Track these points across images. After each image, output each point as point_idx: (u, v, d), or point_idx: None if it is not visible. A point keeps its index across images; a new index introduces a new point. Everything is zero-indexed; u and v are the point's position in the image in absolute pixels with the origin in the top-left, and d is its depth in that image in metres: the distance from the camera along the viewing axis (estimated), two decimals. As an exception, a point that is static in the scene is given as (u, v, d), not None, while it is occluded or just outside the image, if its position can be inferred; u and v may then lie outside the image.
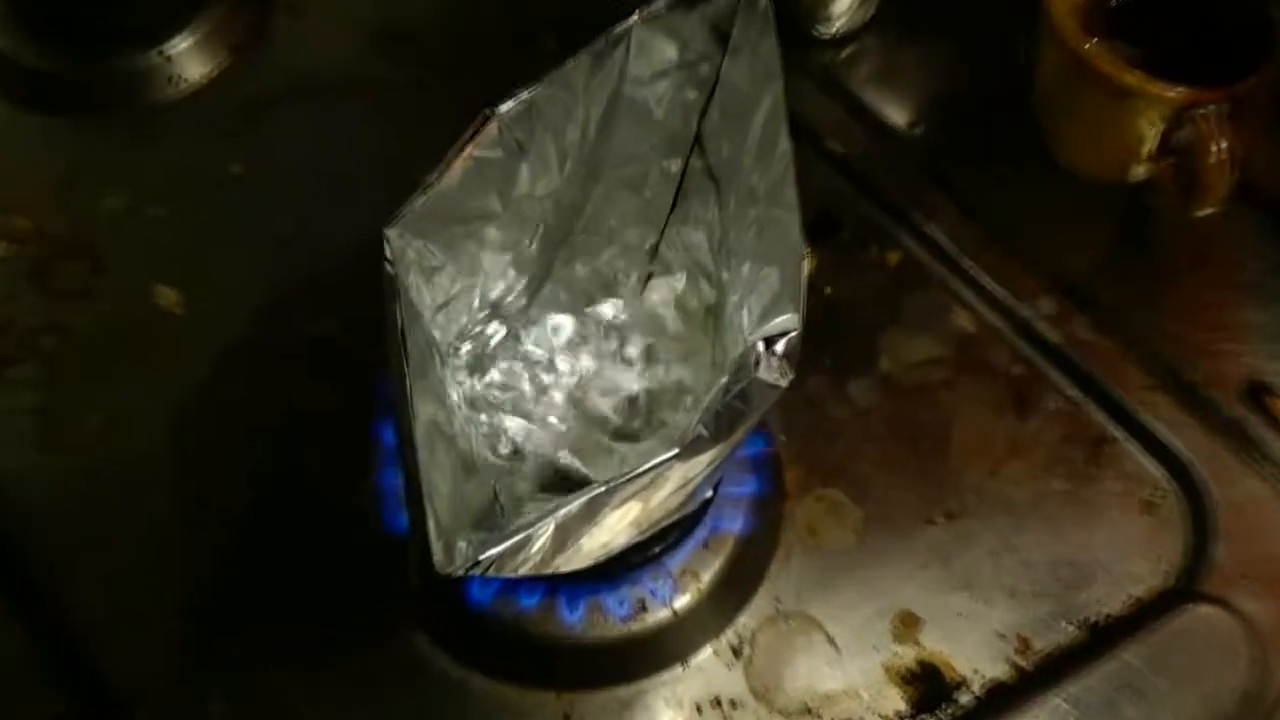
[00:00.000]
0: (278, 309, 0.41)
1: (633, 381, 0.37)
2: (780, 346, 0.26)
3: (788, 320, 0.26)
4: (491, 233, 0.36)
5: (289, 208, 0.43)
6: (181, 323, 0.40)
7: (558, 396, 0.37)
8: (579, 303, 0.39)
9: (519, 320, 0.38)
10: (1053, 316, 0.41)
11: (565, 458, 0.36)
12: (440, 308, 0.36)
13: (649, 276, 0.39)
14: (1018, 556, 0.36)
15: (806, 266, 0.27)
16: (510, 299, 0.38)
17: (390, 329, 0.31)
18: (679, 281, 0.38)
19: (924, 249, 0.43)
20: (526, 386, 0.37)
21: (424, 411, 0.30)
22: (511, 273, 0.37)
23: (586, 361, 0.38)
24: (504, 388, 0.37)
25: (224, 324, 0.40)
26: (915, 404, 0.40)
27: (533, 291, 0.38)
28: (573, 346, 0.38)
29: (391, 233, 0.32)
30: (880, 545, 0.37)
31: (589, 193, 0.37)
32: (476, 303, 0.37)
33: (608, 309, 0.38)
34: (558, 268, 0.38)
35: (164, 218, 0.42)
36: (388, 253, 0.32)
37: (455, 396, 0.36)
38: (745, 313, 0.31)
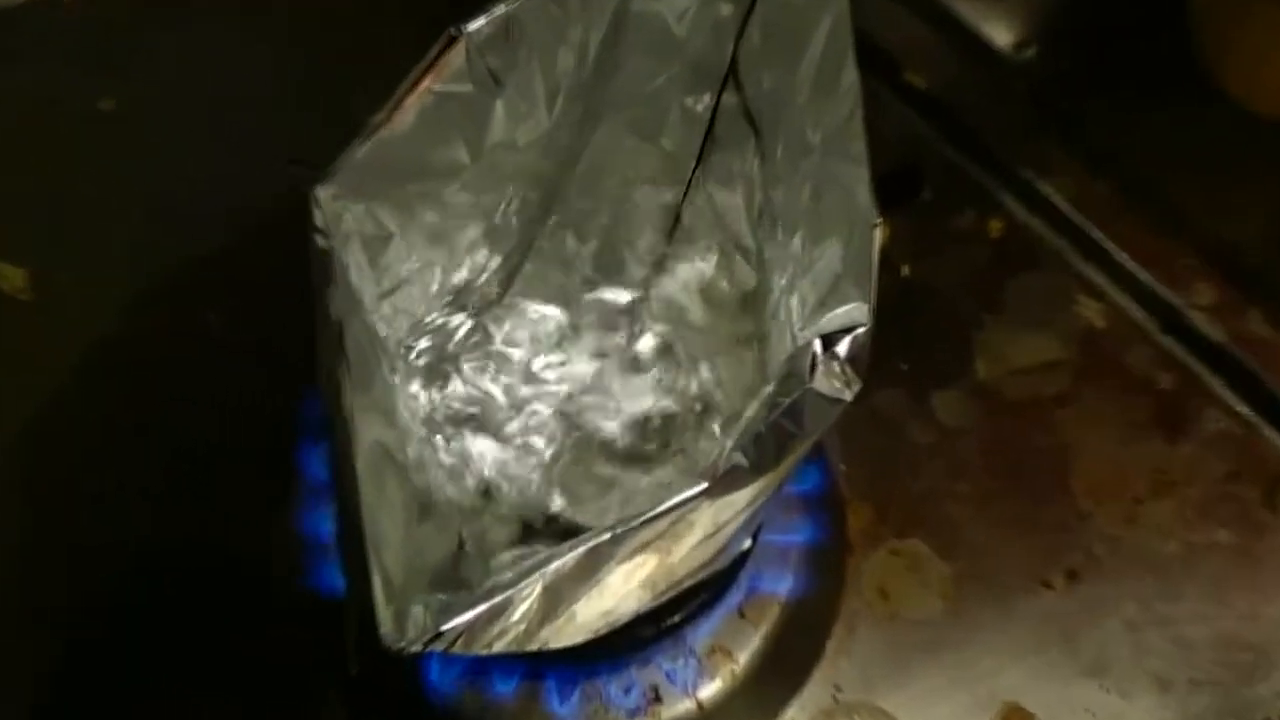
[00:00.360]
0: (161, 295, 0.41)
1: (645, 392, 0.38)
2: (843, 347, 0.27)
3: (853, 312, 0.27)
4: (456, 194, 0.37)
5: (176, 158, 0.42)
6: (29, 312, 0.40)
7: (543, 412, 0.38)
8: (572, 288, 0.39)
9: (492, 311, 0.39)
10: (1212, 306, 0.42)
11: (554, 495, 0.37)
12: (387, 294, 0.37)
13: (666, 253, 0.40)
14: (1167, 632, 0.36)
15: (878, 239, 0.28)
16: (481, 282, 0.39)
17: (321, 323, 0.32)
18: (707, 259, 0.39)
19: (1037, 215, 0.44)
20: (502, 399, 0.38)
21: (367, 433, 0.31)
22: (483, 248, 0.38)
23: (582, 366, 0.39)
24: (472, 401, 0.38)
25: (87, 314, 0.40)
26: (1024, 424, 0.40)
27: (510, 273, 0.39)
28: (563, 346, 0.39)
29: (323, 194, 0.33)
30: (977, 615, 0.37)
31: (587, 140, 0.38)
32: (436, 287, 0.38)
33: (611, 296, 0.39)
34: (544, 241, 0.39)
35: (6, 169, 0.42)
36: (318, 220, 0.33)
37: (408, 413, 0.37)
38: (796, 301, 0.32)
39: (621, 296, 0.39)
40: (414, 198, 0.35)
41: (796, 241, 0.33)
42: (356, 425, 0.30)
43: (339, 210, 0.33)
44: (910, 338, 0.40)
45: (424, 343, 0.38)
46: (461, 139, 0.35)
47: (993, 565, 0.37)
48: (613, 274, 0.39)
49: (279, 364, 0.36)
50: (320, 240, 0.32)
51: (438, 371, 0.37)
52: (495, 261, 0.38)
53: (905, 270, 0.41)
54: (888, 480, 0.39)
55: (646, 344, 0.38)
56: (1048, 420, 0.40)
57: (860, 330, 0.27)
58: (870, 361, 0.28)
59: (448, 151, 0.35)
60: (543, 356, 0.38)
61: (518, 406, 0.38)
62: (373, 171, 0.33)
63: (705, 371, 0.37)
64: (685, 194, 0.38)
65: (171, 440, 0.38)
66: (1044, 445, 0.39)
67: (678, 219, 0.39)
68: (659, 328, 0.38)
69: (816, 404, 0.27)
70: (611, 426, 0.37)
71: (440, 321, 0.38)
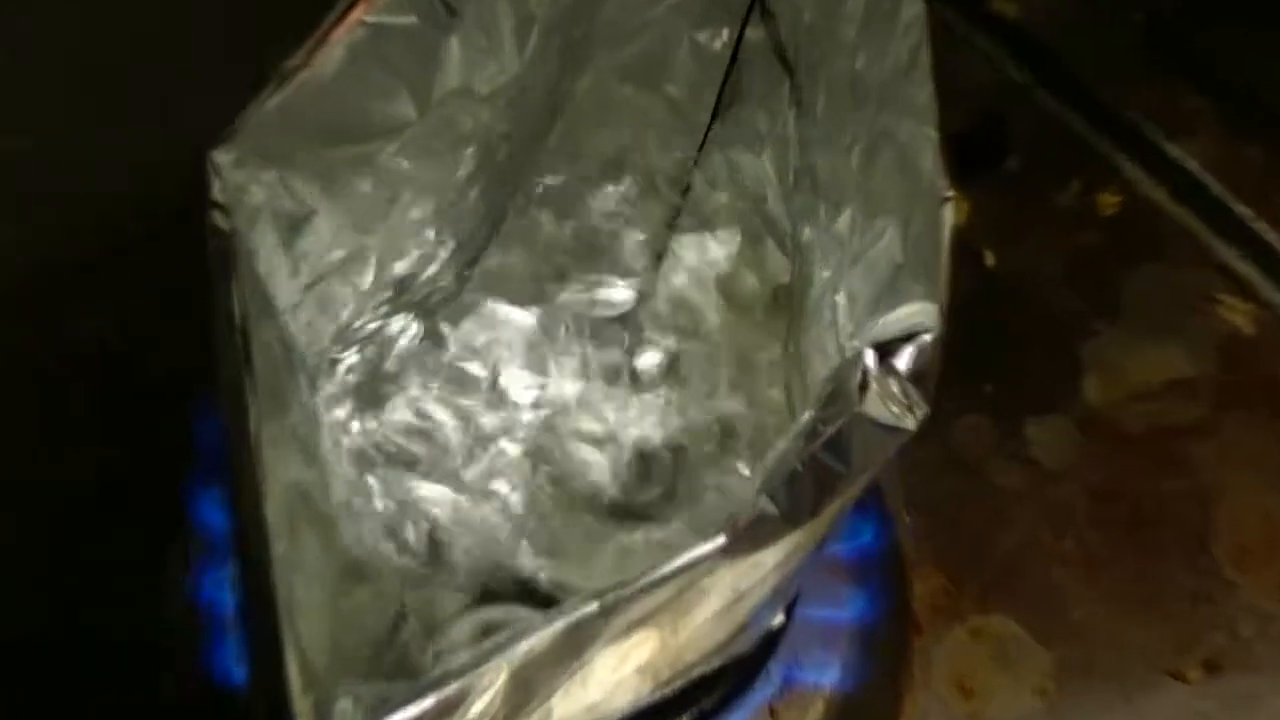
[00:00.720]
0: (20, 300, 0.42)
1: (646, 420, 0.39)
2: (904, 359, 0.27)
3: (917, 313, 0.28)
4: (397, 158, 0.38)
5: (35, 118, 0.44)
6: None
7: (510, 447, 0.39)
8: (550, 282, 0.40)
9: (444, 313, 0.40)
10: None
11: (524, 554, 0.38)
12: (307, 290, 0.38)
13: (672, 237, 0.41)
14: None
15: (950, 218, 0.28)
16: (429, 275, 0.40)
17: (220, 329, 0.33)
18: (726, 245, 0.41)
19: (1162, 186, 0.45)
20: (456, 429, 0.40)
21: (280, 473, 0.32)
22: (432, 230, 0.39)
23: (562, 385, 0.40)
24: (418, 432, 0.39)
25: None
26: (1147, 464, 0.41)
27: (468, 262, 0.40)
28: (539, 359, 0.40)
29: (222, 159, 0.34)
30: (1086, 714, 0.38)
31: (569, 88, 0.39)
32: (370, 281, 0.39)
33: (601, 293, 0.41)
34: (514, 221, 0.40)
35: None
36: (215, 193, 0.34)
37: (333, 447, 0.38)
38: (843, 300, 0.33)
39: (615, 294, 0.40)
40: (342, 164, 0.36)
41: (844, 221, 0.34)
42: (267, 462, 0.31)
43: (243, 180, 0.34)
44: (995, 348, 0.42)
45: (354, 354, 0.39)
46: (404, 86, 0.36)
47: (1106, 651, 0.38)
48: (603, 264, 0.40)
49: (163, 382, 0.38)
50: (219, 219, 0.33)
51: (373, 392, 0.39)
52: (448, 247, 0.39)
53: (989, 259, 0.43)
54: (966, 537, 0.40)
55: (648, 356, 0.40)
56: (1178, 458, 0.41)
57: (926, 337, 0.27)
58: (941, 379, 0.28)
59: (386, 103, 0.36)
60: (511, 373, 0.40)
61: (478, 439, 0.39)
62: (288, 129, 0.34)
63: (724, 391, 0.39)
64: (697, 158, 0.39)
65: (27, 483, 0.39)
66: (1173, 491, 0.40)
67: (687, 191, 0.40)
68: (664, 335, 0.40)
69: (869, 434, 0.27)
70: (601, 464, 0.39)
71: (375, 326, 0.39)
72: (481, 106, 0.38)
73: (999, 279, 0.42)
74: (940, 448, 0.40)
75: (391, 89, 0.36)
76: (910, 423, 0.28)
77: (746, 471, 0.37)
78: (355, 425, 0.38)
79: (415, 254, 0.39)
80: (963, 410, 0.40)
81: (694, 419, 0.39)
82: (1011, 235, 0.43)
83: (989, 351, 0.41)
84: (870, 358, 0.28)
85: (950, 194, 0.29)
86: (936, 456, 0.39)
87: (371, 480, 0.38)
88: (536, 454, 0.39)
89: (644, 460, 0.38)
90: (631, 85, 0.38)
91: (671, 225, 0.40)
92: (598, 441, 0.39)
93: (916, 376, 0.28)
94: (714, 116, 0.39)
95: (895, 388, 0.28)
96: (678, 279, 0.40)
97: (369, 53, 0.35)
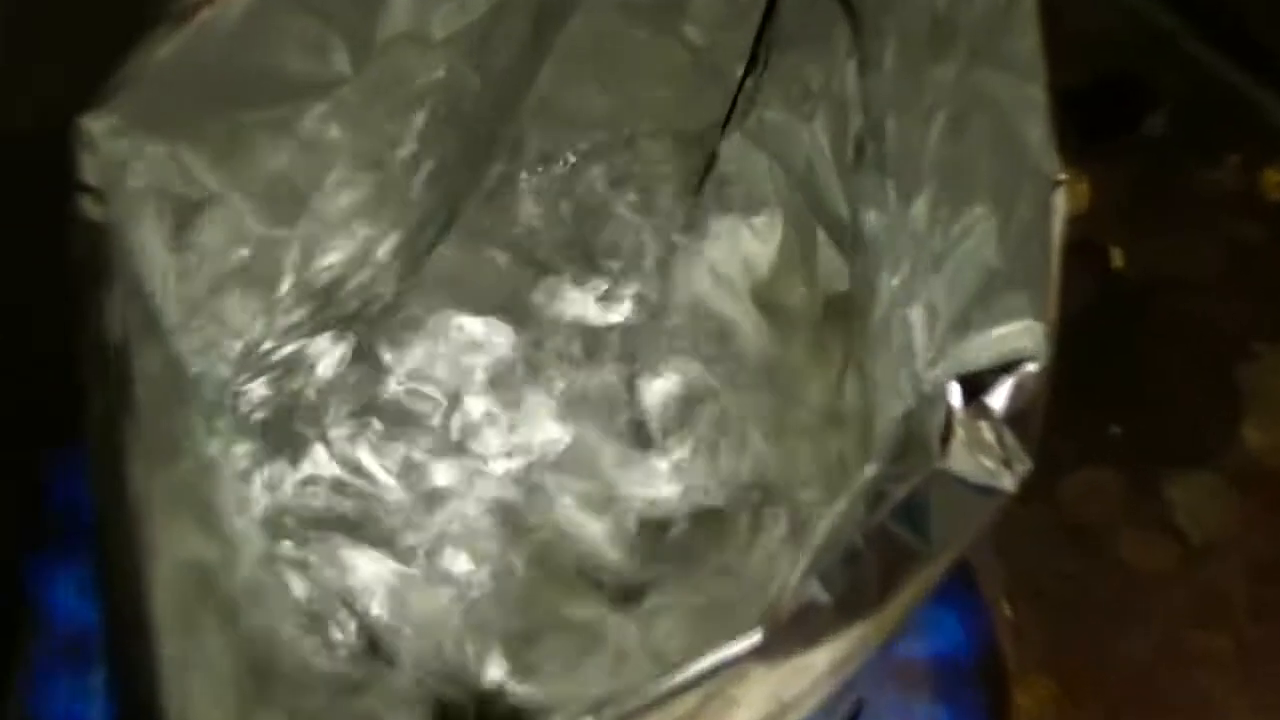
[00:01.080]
0: None
1: (656, 474, 0.40)
2: (1002, 395, 0.28)
3: (1019, 335, 0.28)
4: (325, 124, 0.38)
5: None
6: None
7: (471, 510, 0.40)
8: (525, 287, 0.41)
9: (382, 328, 0.41)
10: None
11: (491, 655, 0.38)
12: (206, 299, 0.38)
13: (692, 225, 0.42)
14: None
15: (1063, 205, 0.29)
16: (363, 279, 0.40)
17: (89, 350, 0.33)
18: (763, 235, 0.42)
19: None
20: (395, 486, 0.40)
21: (169, 546, 0.32)
22: (366, 219, 0.40)
23: (543, 425, 0.41)
24: (347, 488, 0.40)
25: None
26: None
27: (414, 261, 0.40)
28: (509, 390, 0.41)
29: (96, 126, 0.35)
30: None
31: (554, 32, 0.40)
32: (287, 287, 0.40)
33: (594, 303, 0.42)
34: (478, 205, 0.41)
35: None
36: (86, 172, 0.34)
37: (237, 508, 0.38)
38: (918, 314, 0.34)
39: (614, 303, 0.42)
40: (252, 132, 0.37)
41: (920, 209, 0.35)
42: (152, 531, 0.31)
43: (122, 155, 0.35)
44: (1125, 378, 0.42)
45: (265, 385, 0.39)
46: (336, 30, 0.37)
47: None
48: (598, 262, 0.41)
49: (8, 425, 0.39)
50: (89, 208, 0.34)
51: (288, 435, 0.39)
52: (390, 242, 0.39)
53: (1116, 259, 0.44)
54: (1085, 634, 0.40)
55: (658, 388, 0.41)
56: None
57: (1031, 368, 0.28)
58: (1051, 421, 0.29)
59: (312, 52, 0.37)
60: (473, 409, 0.40)
61: (428, 498, 0.39)
62: (182, 87, 0.35)
63: (761, 438, 0.39)
64: (727, 121, 0.40)
65: None
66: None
67: (712, 167, 0.41)
68: (680, 359, 0.41)
69: (955, 497, 0.28)
70: (595, 535, 0.40)
71: (293, 348, 0.39)
72: (437, 56, 0.38)
73: (1130, 285, 0.43)
74: (1051, 514, 0.40)
75: (319, 33, 0.36)
76: (1009, 481, 0.28)
77: (784, 544, 0.38)
78: (265, 479, 0.39)
79: (346, 251, 0.40)
80: (1082, 463, 0.41)
81: (721, 474, 0.40)
82: (1148, 227, 0.44)
83: (1116, 383, 0.42)
84: (956, 394, 0.28)
85: (1063, 175, 0.30)
86: (1047, 525, 0.40)
87: (287, 554, 0.39)
88: (507, 519, 0.39)
89: (653, 530, 0.39)
90: (638, 26, 0.40)
91: (691, 211, 0.41)
92: (591, 504, 0.40)
93: (1017, 419, 0.28)
94: (749, 68, 0.40)
95: (989, 434, 0.28)
96: (699, 283, 0.41)
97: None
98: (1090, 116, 0.37)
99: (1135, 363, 0.43)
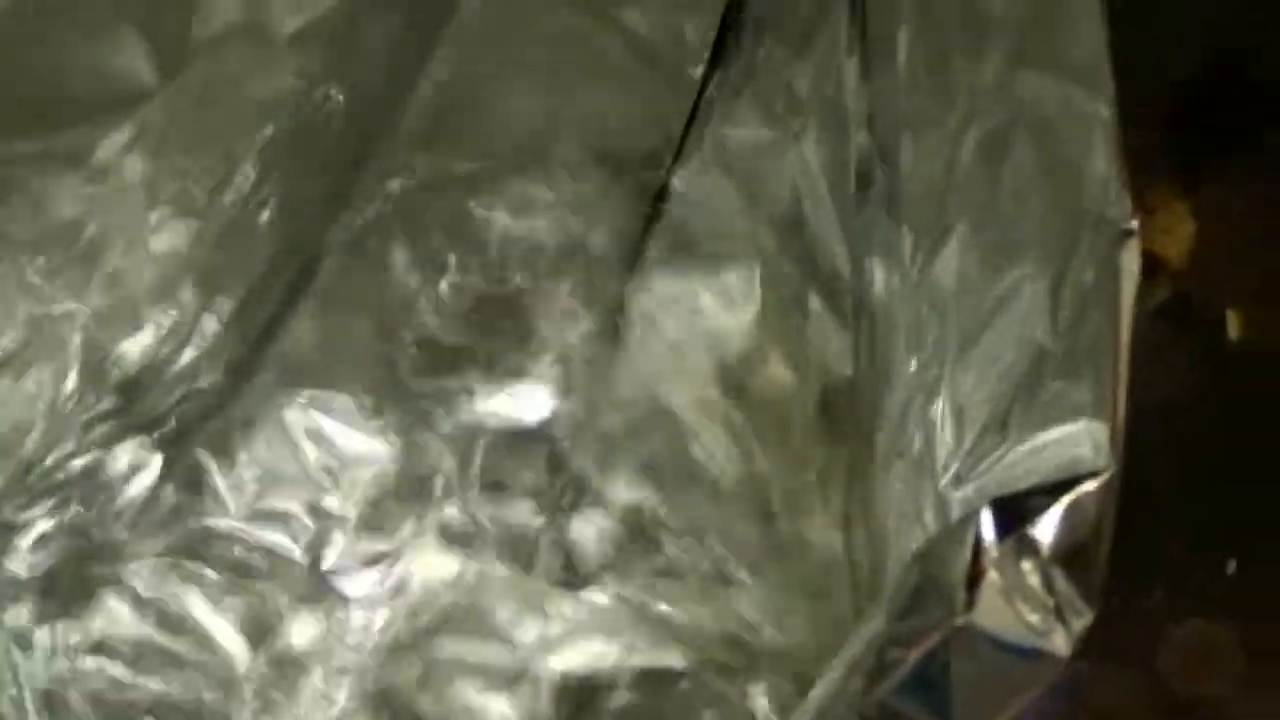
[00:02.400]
0: None
1: (583, 632, 0.36)
2: (1050, 525, 0.25)
3: (1075, 440, 0.26)
4: (126, 157, 0.35)
5: None
6: None
7: (335, 686, 0.36)
8: (405, 373, 0.38)
9: (207, 432, 0.37)
10: None
11: None
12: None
13: (637, 281, 0.38)
14: None
15: (1135, 264, 0.27)
16: (183, 364, 0.37)
17: None
18: (735, 297, 0.38)
19: None
20: (231, 650, 0.36)
21: None
22: (186, 281, 0.37)
23: (430, 564, 0.37)
24: (158, 655, 0.36)
25: None
26: None
27: (253, 338, 0.38)
28: (385, 516, 0.37)
29: None
30: None
31: (444, 20, 0.37)
32: (74, 379, 0.36)
33: (505, 392, 0.38)
34: (340, 259, 0.38)
35: None
36: None
37: (10, 678, 0.35)
38: (942, 410, 0.31)
39: (528, 393, 0.38)
40: (24, 168, 0.34)
41: (946, 264, 0.32)
42: None
43: None
44: (1246, 497, 0.37)
45: (47, 515, 0.36)
46: (135, 26, 0.33)
47: None
48: (507, 335, 0.38)
49: None
50: None
51: (79, 581, 0.36)
52: (218, 313, 0.37)
53: (1233, 327, 0.38)
54: None
55: (588, 518, 0.37)
56: None
57: (1090, 486, 0.25)
58: (1123, 557, 0.26)
59: (103, 58, 0.34)
60: (338, 544, 0.37)
61: (278, 667, 0.36)
62: None
63: (729, 580, 0.36)
64: (683, 141, 0.37)
65: None
66: None
67: (663, 197, 0.38)
68: (618, 474, 0.37)
69: (985, 662, 0.25)
70: (504, 713, 0.36)
71: (85, 462, 0.36)
72: (283, 57, 0.35)
73: (1253, 364, 0.38)
74: (1148, 684, 0.35)
75: (116, 30, 0.33)
76: (1060, 641, 0.25)
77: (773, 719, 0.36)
78: (45, 641, 0.35)
79: (158, 328, 0.37)
80: (1188, 615, 0.36)
81: (676, 630, 0.36)
82: (1276, 282, 0.39)
83: (1233, 502, 0.37)
84: (989, 523, 0.25)
85: (1133, 223, 0.27)
86: (1140, 701, 0.35)
87: None
88: (383, 700, 0.36)
89: (583, 710, 0.36)
90: (559, 10, 0.37)
91: (635, 268, 0.38)
92: (496, 677, 0.36)
93: (1073, 555, 0.25)
94: (712, 68, 0.37)
95: (1034, 579, 0.25)
96: (646, 368, 0.37)
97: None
98: (1196, 128, 0.33)
99: (1260, 472, 0.37)
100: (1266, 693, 0.39)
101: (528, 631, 0.36)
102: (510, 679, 0.36)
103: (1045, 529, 0.25)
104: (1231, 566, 0.40)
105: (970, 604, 0.24)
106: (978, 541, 0.25)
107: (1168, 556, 0.30)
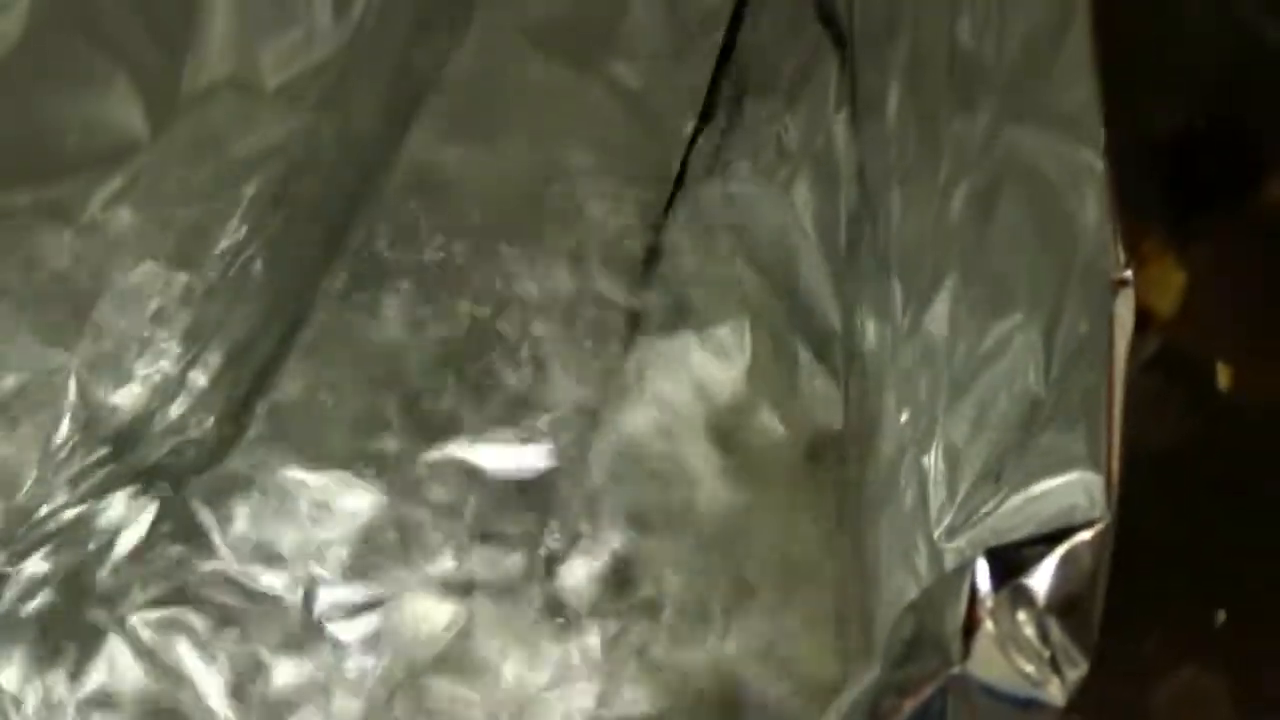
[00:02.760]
0: None
1: (571, 680, 0.36)
2: (1046, 574, 0.26)
3: (1071, 490, 0.27)
4: (115, 209, 0.35)
5: None
6: None
7: None
8: (394, 429, 0.38)
9: (200, 483, 0.37)
10: None
11: None
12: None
13: (630, 338, 0.38)
14: None
15: (1128, 313, 0.27)
16: (174, 417, 0.37)
17: None
18: (726, 352, 0.38)
19: None
20: (221, 700, 0.36)
21: None
22: (174, 334, 0.36)
23: (419, 614, 0.37)
24: (153, 708, 0.36)
25: None
26: None
27: (244, 392, 0.38)
28: (375, 567, 0.37)
29: None
30: None
31: (437, 68, 0.37)
32: (65, 428, 0.36)
33: (497, 448, 0.38)
34: (330, 313, 0.38)
35: None
36: None
37: None
38: (935, 462, 0.31)
39: (520, 450, 0.38)
40: (14, 221, 0.34)
41: (937, 316, 0.32)
42: None
43: None
44: (1235, 547, 0.36)
45: (41, 561, 0.36)
46: (126, 72, 0.33)
47: None
48: (496, 393, 0.38)
49: None
50: None
51: (73, 628, 0.36)
52: (208, 366, 0.37)
53: (1223, 378, 0.37)
54: None
55: (579, 566, 0.37)
56: None
57: (1085, 536, 0.26)
58: (1118, 607, 0.27)
59: (97, 105, 0.34)
60: (330, 595, 0.37)
61: (270, 714, 0.36)
62: None
63: (720, 629, 0.36)
64: (673, 195, 0.38)
65: None
66: None
67: (654, 251, 0.38)
68: (610, 525, 0.37)
69: (980, 711, 0.26)
70: None
71: (77, 513, 0.36)
72: (271, 109, 0.36)
73: (1242, 415, 0.37)
74: None
75: (106, 78, 0.33)
76: (1055, 691, 0.25)
77: None
78: (37, 695, 0.35)
79: (149, 378, 0.36)
80: (1175, 661, 0.34)
81: (664, 680, 0.36)
82: (1268, 333, 0.37)
83: (1223, 552, 0.35)
84: (984, 573, 0.25)
85: (1126, 274, 0.27)
86: None
87: None
88: None
89: None
90: (549, 62, 0.37)
91: (625, 321, 0.38)
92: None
93: (1068, 606, 0.26)
94: (702, 120, 0.37)
95: (1029, 629, 0.25)
96: (636, 420, 0.37)
97: (67, 12, 0.32)
98: (1190, 177, 0.32)
99: (1251, 522, 0.36)
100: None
101: (519, 676, 0.36)
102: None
103: (1040, 579, 0.25)
104: (1221, 617, 0.39)
105: (966, 653, 0.24)
106: (973, 591, 0.25)
107: (1158, 606, 0.29)
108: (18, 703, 0.35)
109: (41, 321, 0.35)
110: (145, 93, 0.34)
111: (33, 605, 0.35)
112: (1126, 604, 0.26)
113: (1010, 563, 0.25)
